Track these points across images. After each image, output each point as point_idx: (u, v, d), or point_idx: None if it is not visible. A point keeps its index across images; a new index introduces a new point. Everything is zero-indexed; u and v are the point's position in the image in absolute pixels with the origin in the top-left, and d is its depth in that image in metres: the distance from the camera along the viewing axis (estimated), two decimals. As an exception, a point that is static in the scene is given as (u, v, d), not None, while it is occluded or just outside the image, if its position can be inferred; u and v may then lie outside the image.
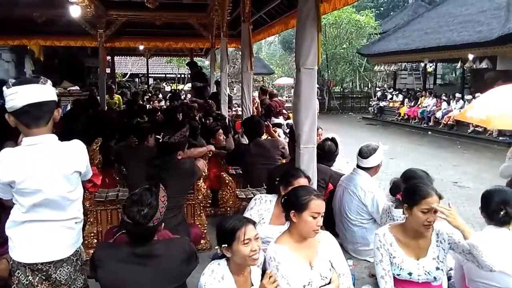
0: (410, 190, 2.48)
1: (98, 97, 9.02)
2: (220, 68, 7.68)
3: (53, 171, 1.98)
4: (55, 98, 2.05)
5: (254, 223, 2.19)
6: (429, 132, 15.95)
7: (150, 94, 16.34)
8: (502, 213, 2.43)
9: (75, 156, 2.08)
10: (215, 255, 2.71)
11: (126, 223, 2.09)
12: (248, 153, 4.26)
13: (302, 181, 2.82)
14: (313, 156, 3.07)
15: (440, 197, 2.40)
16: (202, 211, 3.87)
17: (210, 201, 4.43)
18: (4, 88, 1.94)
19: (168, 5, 7.84)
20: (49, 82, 2.03)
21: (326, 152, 4.00)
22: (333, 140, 4.16)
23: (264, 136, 4.70)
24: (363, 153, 3.64)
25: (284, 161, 4.41)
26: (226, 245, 2.12)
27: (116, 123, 5.55)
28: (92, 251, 3.51)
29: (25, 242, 2.00)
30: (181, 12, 8.67)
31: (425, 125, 16.84)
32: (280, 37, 30.52)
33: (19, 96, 1.91)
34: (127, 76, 28.46)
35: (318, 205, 2.28)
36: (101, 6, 7.92)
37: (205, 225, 3.86)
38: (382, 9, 32.20)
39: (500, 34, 12.55)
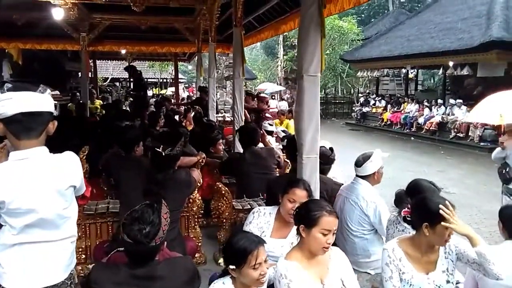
0: (432, 208, 2.30)
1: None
2: (208, 73, 7.54)
3: (47, 188, 1.80)
4: (52, 109, 1.88)
5: (264, 243, 2.06)
6: (412, 138, 16.12)
7: (131, 99, 16.05)
8: None
9: (70, 169, 1.91)
10: (213, 276, 2.56)
11: (126, 242, 1.93)
12: (243, 162, 4.11)
13: (298, 192, 2.71)
14: (316, 166, 2.96)
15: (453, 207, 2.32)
16: (196, 223, 3.72)
17: (202, 211, 4.27)
18: None
19: (154, 9, 7.63)
20: (48, 91, 1.86)
21: (321, 155, 3.88)
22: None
23: (260, 145, 4.57)
24: (358, 161, 3.57)
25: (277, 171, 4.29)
26: (234, 267, 1.98)
27: (102, 130, 5.32)
28: (80, 268, 3.36)
29: (16, 267, 1.80)
30: (167, 16, 8.49)
31: (407, 130, 17.03)
32: (262, 42, 30.54)
33: (12, 103, 1.74)
34: (108, 81, 27.91)
35: (329, 222, 2.16)
36: (85, 9, 7.69)
37: (200, 237, 3.70)
38: (363, 15, 32.62)
39: (481, 42, 12.80)
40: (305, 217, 2.19)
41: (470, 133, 13.84)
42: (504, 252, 2.32)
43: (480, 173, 9.80)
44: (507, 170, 4.64)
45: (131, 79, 11.72)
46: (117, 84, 28.21)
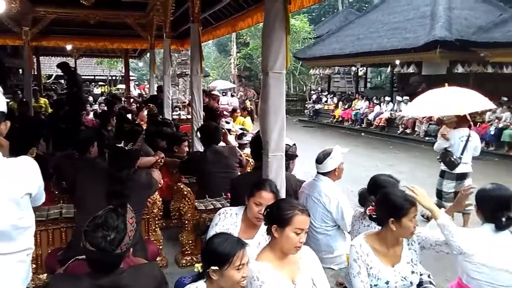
0: (391, 203, 2.38)
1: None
2: (163, 70, 7.33)
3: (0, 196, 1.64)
4: (2, 109, 1.70)
5: (247, 245, 2.02)
6: (363, 134, 16.64)
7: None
8: (504, 219, 2.37)
9: (25, 175, 1.74)
10: (180, 281, 2.47)
11: (89, 251, 1.79)
12: (205, 161, 4.00)
13: (265, 195, 2.66)
14: (282, 164, 2.93)
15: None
16: (157, 225, 3.58)
17: (161, 213, 4.13)
18: None
19: (104, 3, 7.29)
20: None
21: None
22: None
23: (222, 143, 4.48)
24: (319, 158, 3.60)
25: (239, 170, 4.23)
26: (217, 268, 1.91)
27: (50, 130, 5.00)
28: (32, 279, 3.11)
29: None
30: (118, 11, 8.13)
31: (358, 126, 17.57)
32: (215, 39, 30.29)
33: None
34: (52, 78, 26.46)
35: (302, 220, 2.15)
36: (28, 2, 7.19)
37: (161, 240, 3.57)
38: (314, 14, 33.16)
39: (425, 41, 13.45)
40: (278, 217, 2.16)
41: (416, 129, 14.56)
42: (481, 234, 2.41)
43: (427, 167, 10.26)
44: (453, 157, 5.35)
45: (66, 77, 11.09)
46: (62, 81, 26.83)
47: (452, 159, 5.37)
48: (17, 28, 8.11)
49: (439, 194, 5.65)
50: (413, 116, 14.08)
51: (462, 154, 5.39)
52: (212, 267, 1.91)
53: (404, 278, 2.43)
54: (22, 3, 6.85)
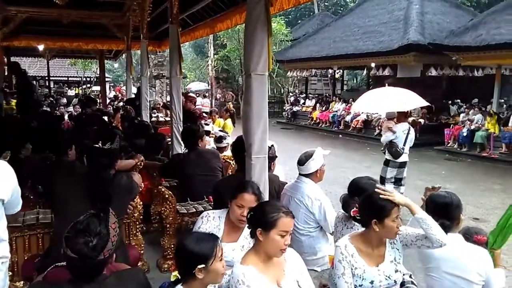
0: (373, 205, 2.41)
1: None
2: (141, 72, 7.21)
3: None
4: None
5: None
6: (340, 135, 16.84)
7: (52, 99, 14.95)
8: (462, 218, 2.51)
9: None
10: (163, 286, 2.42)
11: (70, 257, 1.73)
12: (187, 163, 3.95)
13: (247, 197, 2.64)
14: (265, 166, 2.92)
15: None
16: (138, 230, 3.51)
17: (141, 217, 4.05)
18: None
19: (78, 2, 7.11)
20: None
21: None
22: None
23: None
24: (301, 160, 3.62)
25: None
26: (203, 265, 1.90)
27: (24, 132, 4.82)
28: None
29: None
30: (93, 11, 7.96)
31: (336, 128, 17.79)
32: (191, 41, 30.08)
33: None
34: (24, 79, 25.68)
35: (286, 223, 2.14)
36: (-1, 0, 6.96)
37: (142, 245, 3.50)
38: (290, 17, 33.41)
39: (400, 45, 13.75)
40: (262, 220, 2.14)
41: (392, 130, 14.79)
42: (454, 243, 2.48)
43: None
44: (398, 148, 6.31)
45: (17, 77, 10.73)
46: (34, 82, 26.10)
47: (398, 150, 6.29)
48: (-13, 27, 7.85)
49: (382, 180, 6.47)
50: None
51: (404, 145, 6.34)
52: (199, 266, 1.89)
53: (388, 277, 2.45)
54: (-7, 2, 6.64)
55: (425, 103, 6.63)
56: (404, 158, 6.40)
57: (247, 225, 2.33)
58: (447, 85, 17.27)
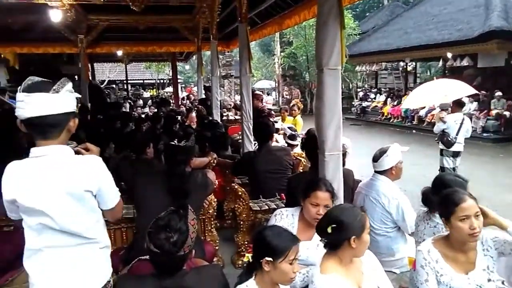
0: (441, 201, 2.28)
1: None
2: (211, 72, 7.39)
3: (57, 188, 1.70)
4: (69, 108, 1.75)
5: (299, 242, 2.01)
6: (414, 131, 16.02)
7: (130, 101, 15.91)
8: None
9: (85, 172, 1.77)
10: None
11: (153, 252, 1.80)
12: (257, 161, 3.96)
13: (320, 195, 2.58)
14: (339, 164, 2.82)
15: (475, 200, 2.21)
16: (212, 226, 3.59)
17: (215, 213, 4.15)
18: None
19: (152, 8, 7.49)
20: (66, 88, 1.74)
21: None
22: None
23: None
24: (375, 156, 3.47)
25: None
26: (271, 259, 1.89)
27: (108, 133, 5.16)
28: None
29: (42, 276, 1.71)
30: (165, 15, 8.34)
31: (409, 123, 16.93)
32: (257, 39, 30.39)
33: (25, 106, 1.65)
34: (105, 83, 27.69)
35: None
36: (82, 10, 7.52)
37: (217, 241, 3.57)
38: (357, 10, 32.44)
39: (480, 32, 12.69)
40: (354, 228, 2.07)
41: (473, 125, 13.75)
42: None
43: (488, 164, 9.76)
44: (449, 137, 6.44)
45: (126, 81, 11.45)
46: (114, 86, 28.03)
47: (449, 139, 6.46)
48: (73, 36, 8.52)
49: (443, 171, 6.62)
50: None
51: (457, 134, 6.45)
52: (266, 258, 1.88)
53: (480, 286, 2.24)
54: (77, 12, 7.18)
55: (472, 91, 6.79)
56: (457, 147, 6.53)
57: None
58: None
